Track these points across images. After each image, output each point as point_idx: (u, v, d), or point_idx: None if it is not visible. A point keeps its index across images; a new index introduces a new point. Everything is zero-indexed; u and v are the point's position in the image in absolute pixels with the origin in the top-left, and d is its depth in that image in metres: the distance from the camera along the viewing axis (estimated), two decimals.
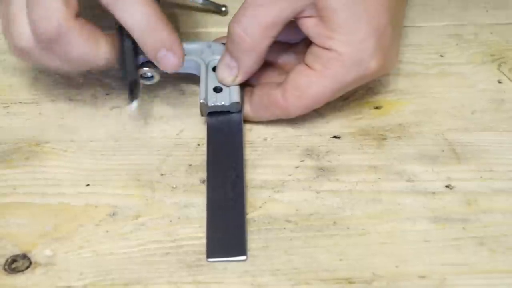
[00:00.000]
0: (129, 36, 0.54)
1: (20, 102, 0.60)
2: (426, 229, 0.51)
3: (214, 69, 0.58)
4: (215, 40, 0.62)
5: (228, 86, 0.57)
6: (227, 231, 0.51)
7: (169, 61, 0.54)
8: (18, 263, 0.50)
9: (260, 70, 0.58)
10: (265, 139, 0.57)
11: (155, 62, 0.55)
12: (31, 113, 0.59)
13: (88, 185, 0.54)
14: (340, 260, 0.49)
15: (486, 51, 0.64)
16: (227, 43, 0.57)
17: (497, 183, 0.54)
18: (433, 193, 0.53)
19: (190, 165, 0.55)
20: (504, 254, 0.50)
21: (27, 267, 0.49)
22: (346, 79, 0.54)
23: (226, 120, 0.57)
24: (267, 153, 0.56)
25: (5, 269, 0.49)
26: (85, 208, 0.53)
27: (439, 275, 0.49)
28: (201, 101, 0.56)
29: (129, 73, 0.55)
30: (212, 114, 0.57)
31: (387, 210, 0.52)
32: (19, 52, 0.55)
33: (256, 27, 0.55)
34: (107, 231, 0.51)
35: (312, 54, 0.55)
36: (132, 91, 0.55)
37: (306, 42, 0.58)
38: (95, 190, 0.54)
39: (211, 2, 0.66)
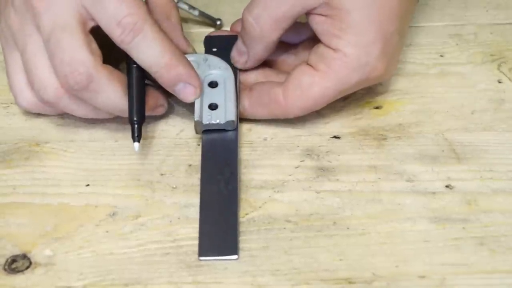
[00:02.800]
0: (139, 77, 0.55)
1: None
2: (426, 229, 0.51)
3: (210, 84, 0.58)
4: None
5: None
6: (219, 230, 0.51)
7: (187, 93, 0.55)
8: (18, 263, 0.50)
9: (257, 69, 0.58)
10: (265, 139, 0.57)
11: (174, 94, 0.55)
12: (31, 113, 0.59)
13: (88, 185, 0.54)
14: (340, 260, 0.49)
15: (486, 51, 0.64)
16: (241, 28, 0.57)
17: (497, 183, 0.54)
18: (433, 193, 0.53)
19: (190, 165, 0.55)
20: (504, 254, 0.50)
21: (27, 267, 0.49)
22: (348, 81, 0.54)
23: (221, 138, 0.56)
24: (267, 153, 0.56)
25: (5, 269, 0.49)
26: (85, 208, 0.53)
27: (439, 275, 0.49)
28: (196, 119, 0.56)
29: (138, 115, 0.55)
30: (207, 131, 0.56)
31: (387, 210, 0.52)
32: (45, 103, 0.55)
33: (267, 18, 0.55)
34: (107, 231, 0.51)
35: (317, 54, 0.55)
36: (139, 132, 0.55)
37: (306, 44, 0.58)
38: (95, 190, 0.54)
39: (207, 15, 0.66)
